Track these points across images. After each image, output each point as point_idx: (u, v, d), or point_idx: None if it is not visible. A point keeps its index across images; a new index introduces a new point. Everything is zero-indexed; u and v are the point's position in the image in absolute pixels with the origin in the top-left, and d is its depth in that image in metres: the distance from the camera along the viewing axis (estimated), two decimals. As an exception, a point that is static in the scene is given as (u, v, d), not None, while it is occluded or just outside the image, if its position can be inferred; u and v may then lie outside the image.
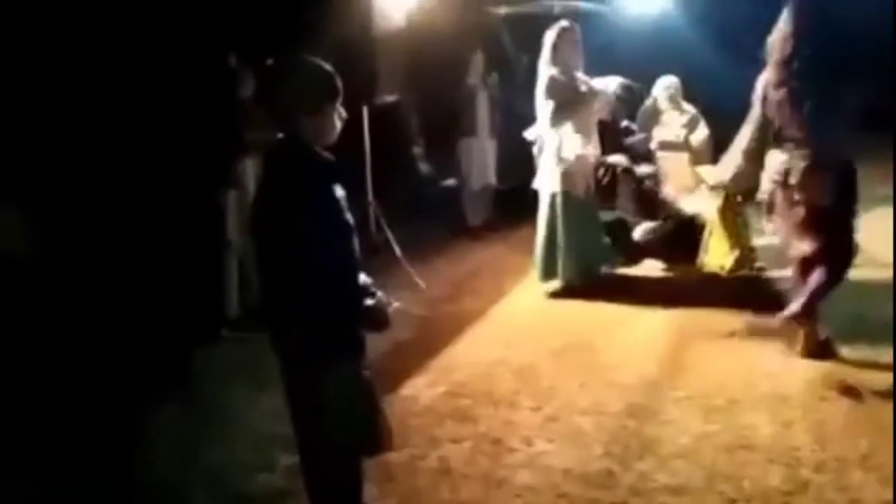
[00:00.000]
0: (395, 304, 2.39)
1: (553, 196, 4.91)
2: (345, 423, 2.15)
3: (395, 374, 3.82)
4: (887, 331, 3.81)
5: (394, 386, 3.69)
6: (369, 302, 2.17)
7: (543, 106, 4.84)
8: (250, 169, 4.41)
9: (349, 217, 2.09)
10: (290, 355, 2.16)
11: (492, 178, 6.65)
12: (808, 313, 3.67)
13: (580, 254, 4.93)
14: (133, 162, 4.38)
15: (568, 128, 4.83)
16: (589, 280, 4.96)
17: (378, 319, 2.19)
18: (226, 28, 4.87)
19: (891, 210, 5.22)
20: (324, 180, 2.06)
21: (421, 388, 3.71)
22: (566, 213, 4.86)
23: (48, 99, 4.13)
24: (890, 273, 4.48)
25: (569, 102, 4.77)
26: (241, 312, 4.50)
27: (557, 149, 4.84)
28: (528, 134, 5.03)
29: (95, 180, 4.26)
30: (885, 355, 3.70)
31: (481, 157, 6.58)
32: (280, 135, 2.11)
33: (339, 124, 2.13)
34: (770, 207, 3.73)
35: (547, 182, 4.93)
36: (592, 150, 4.97)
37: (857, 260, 3.79)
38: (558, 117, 4.80)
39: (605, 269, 5.29)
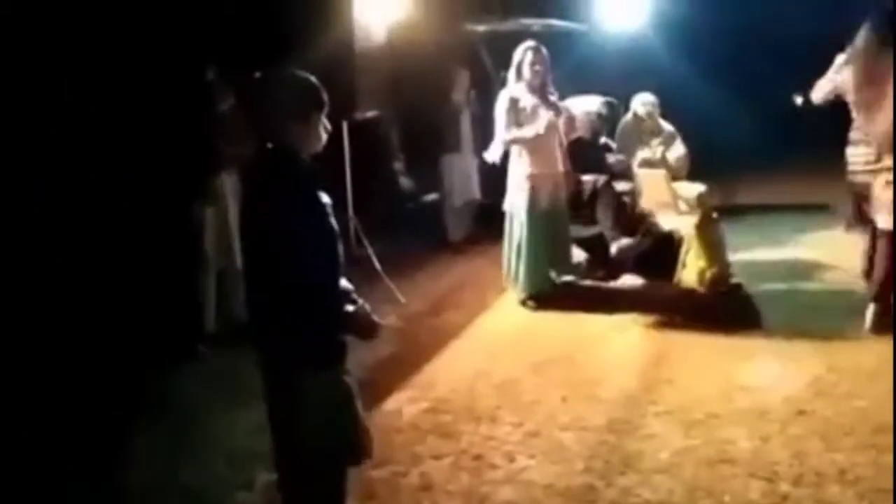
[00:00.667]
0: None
1: (512, 212, 5.01)
2: (328, 429, 2.15)
3: (376, 390, 3.79)
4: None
5: (376, 401, 3.66)
6: (350, 308, 2.18)
7: (497, 122, 4.96)
8: (228, 183, 4.38)
9: (334, 223, 2.12)
10: (274, 361, 2.17)
11: (476, 194, 6.69)
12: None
13: (538, 266, 5.03)
14: (109, 177, 4.34)
15: (525, 145, 4.93)
16: (546, 292, 5.06)
17: (364, 325, 2.20)
18: (205, 42, 4.86)
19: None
20: (311, 187, 2.09)
21: (403, 404, 3.70)
22: (526, 226, 4.95)
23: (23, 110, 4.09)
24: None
25: (521, 121, 4.89)
26: (220, 328, 4.45)
27: (517, 166, 4.96)
28: (488, 155, 5.11)
29: (71, 194, 4.22)
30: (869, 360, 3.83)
31: (465, 173, 6.62)
32: (268, 145, 2.14)
33: (324, 135, 2.19)
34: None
35: (509, 196, 5.04)
36: (557, 165, 5.06)
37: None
38: (507, 134, 4.92)
39: (585, 282, 5.39)
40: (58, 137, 4.31)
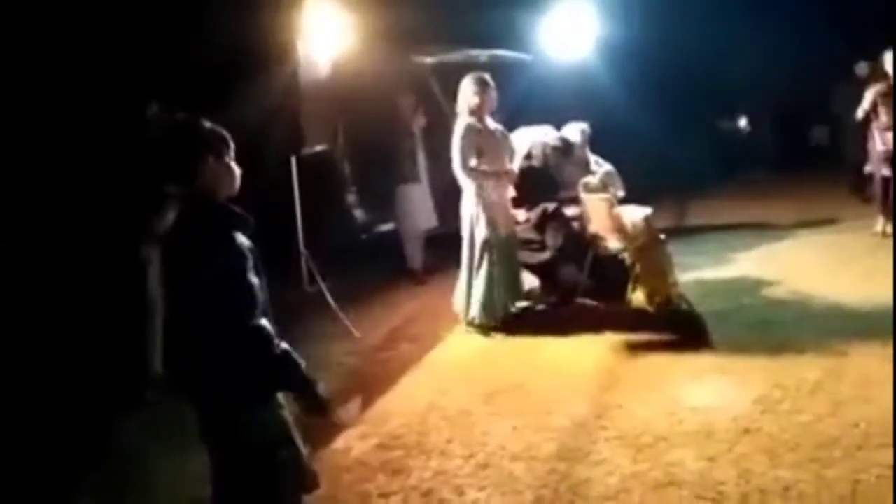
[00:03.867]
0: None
1: (472, 237, 5.05)
2: (272, 463, 2.18)
3: (326, 428, 3.73)
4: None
5: (326, 440, 3.62)
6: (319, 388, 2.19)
7: (458, 153, 4.99)
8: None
9: (250, 265, 2.12)
10: (206, 404, 2.20)
11: (435, 221, 6.73)
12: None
13: (498, 294, 5.06)
14: (46, 218, 4.26)
15: (482, 173, 5.00)
16: (502, 319, 5.09)
17: (316, 402, 2.19)
18: (146, 77, 4.83)
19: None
20: (222, 229, 2.13)
21: (353, 441, 3.65)
22: (485, 255, 5.00)
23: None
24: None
25: (480, 150, 4.97)
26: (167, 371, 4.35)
27: (475, 193, 5.00)
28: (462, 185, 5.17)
29: (13, 235, 4.13)
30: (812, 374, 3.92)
31: (425, 202, 6.67)
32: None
33: (234, 177, 2.23)
34: None
35: (466, 224, 5.08)
36: (509, 193, 5.17)
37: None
38: (471, 164, 4.97)
39: (537, 307, 5.43)
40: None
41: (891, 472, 2.97)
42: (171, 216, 4.35)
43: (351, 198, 7.63)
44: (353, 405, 3.69)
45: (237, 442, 2.15)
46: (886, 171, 6.60)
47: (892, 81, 6.51)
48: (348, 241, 7.32)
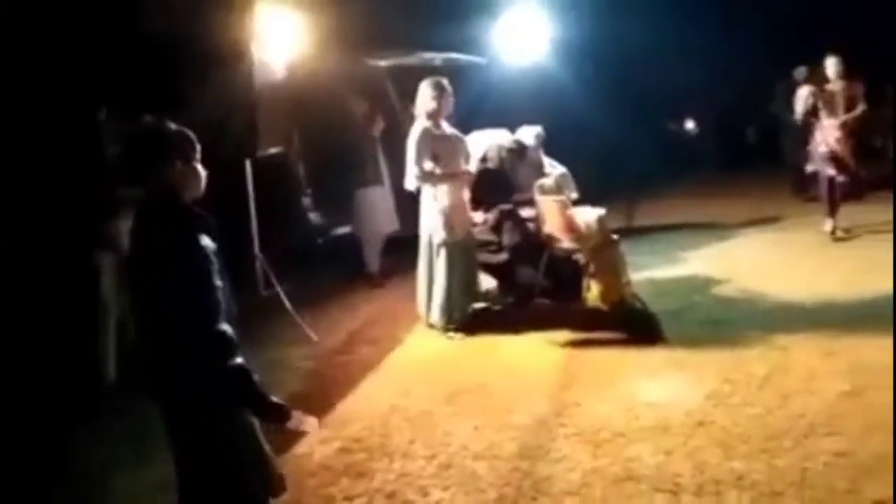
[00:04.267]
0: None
1: (430, 239, 5.09)
2: (239, 465, 2.18)
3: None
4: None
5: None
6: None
7: (412, 156, 5.02)
8: (126, 228, 4.23)
9: (215, 268, 2.10)
10: (173, 406, 2.18)
11: (397, 225, 6.72)
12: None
13: (457, 295, 5.12)
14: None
15: (437, 176, 5.05)
16: (461, 320, 5.14)
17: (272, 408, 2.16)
18: (97, 81, 4.71)
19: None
20: (188, 230, 2.11)
21: (315, 446, 3.63)
22: (443, 256, 5.05)
23: None
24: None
25: (436, 154, 5.01)
26: (121, 378, 4.26)
27: (433, 196, 5.05)
28: (407, 185, 5.18)
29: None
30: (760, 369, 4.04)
31: (387, 205, 6.66)
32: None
33: (199, 179, 2.23)
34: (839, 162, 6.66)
35: (425, 227, 5.12)
36: (466, 195, 5.23)
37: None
38: (426, 167, 5.01)
39: (495, 308, 5.50)
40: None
41: (836, 459, 3.12)
42: (126, 222, 4.27)
43: (306, 201, 7.58)
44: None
45: (212, 443, 2.13)
46: (831, 171, 6.78)
47: (831, 86, 6.77)
48: (304, 244, 7.27)
